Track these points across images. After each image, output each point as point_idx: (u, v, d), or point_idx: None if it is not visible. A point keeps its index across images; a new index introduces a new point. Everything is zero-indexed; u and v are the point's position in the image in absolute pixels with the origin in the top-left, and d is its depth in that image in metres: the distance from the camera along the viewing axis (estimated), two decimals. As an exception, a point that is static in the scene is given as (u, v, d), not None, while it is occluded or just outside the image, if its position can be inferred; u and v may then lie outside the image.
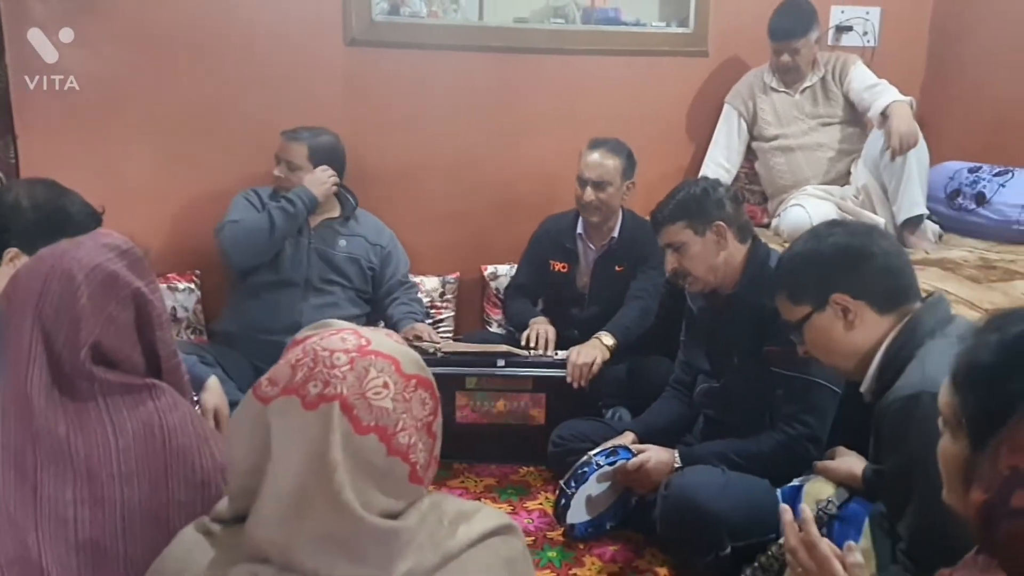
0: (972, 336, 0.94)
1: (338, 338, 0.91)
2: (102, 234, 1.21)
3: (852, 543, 1.12)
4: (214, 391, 2.09)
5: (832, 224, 1.67)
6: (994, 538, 0.85)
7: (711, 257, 2.05)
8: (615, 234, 2.75)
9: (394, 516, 0.88)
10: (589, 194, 2.66)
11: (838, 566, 1.09)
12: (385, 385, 0.88)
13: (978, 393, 0.90)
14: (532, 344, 2.65)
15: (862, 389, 1.48)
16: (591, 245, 2.80)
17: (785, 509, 1.19)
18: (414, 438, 0.89)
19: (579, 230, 2.80)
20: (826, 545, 1.11)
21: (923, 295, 1.52)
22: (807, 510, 1.17)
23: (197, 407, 1.96)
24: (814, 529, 1.13)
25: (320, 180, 2.72)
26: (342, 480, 0.83)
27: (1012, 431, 0.83)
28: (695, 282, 2.09)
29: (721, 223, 2.04)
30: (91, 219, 1.79)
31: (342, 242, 2.81)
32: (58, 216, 1.75)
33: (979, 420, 0.88)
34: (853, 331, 1.48)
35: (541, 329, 2.69)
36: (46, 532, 1.06)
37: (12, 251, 1.72)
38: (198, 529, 0.95)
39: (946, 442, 0.95)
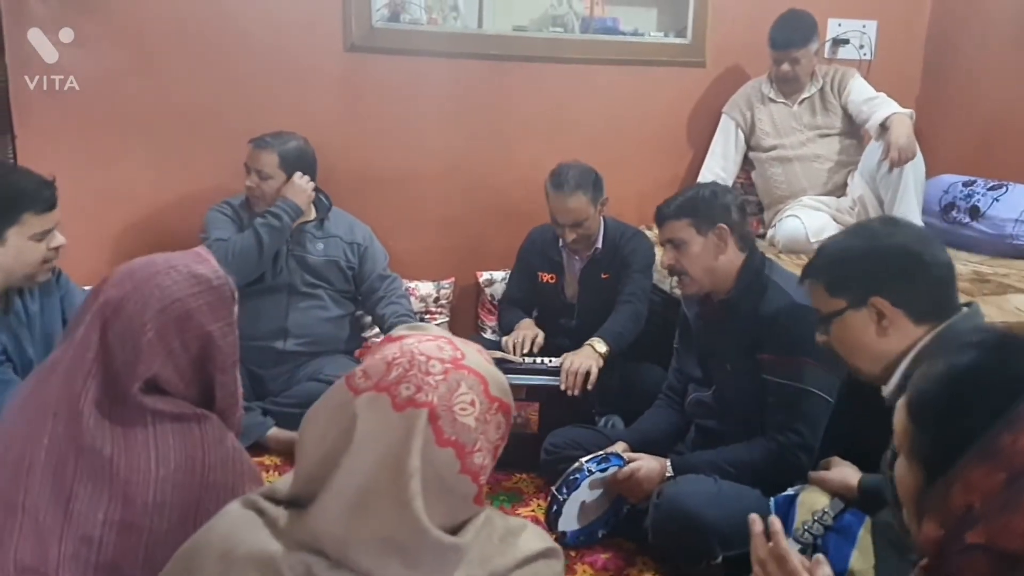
0: (923, 364, 0.93)
1: (435, 345, 0.92)
2: (200, 259, 1.19)
3: (820, 556, 1.11)
4: (275, 441, 2.08)
5: (889, 223, 1.61)
6: (947, 571, 0.84)
7: (709, 259, 2.05)
8: (599, 244, 2.76)
9: (452, 530, 0.88)
10: (570, 235, 2.67)
11: None
12: (472, 403, 0.89)
13: (930, 428, 0.88)
14: (509, 348, 2.64)
15: (885, 394, 1.44)
16: (576, 256, 2.81)
17: (754, 519, 1.16)
18: (486, 460, 0.90)
19: (563, 243, 2.81)
20: (796, 558, 1.10)
21: (958, 305, 1.47)
22: (776, 521, 1.14)
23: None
24: (783, 541, 1.11)
25: (301, 188, 2.70)
26: (415, 489, 0.83)
27: (965, 469, 0.83)
28: (689, 283, 2.09)
29: (724, 227, 2.04)
30: (44, 187, 1.81)
31: (319, 245, 2.80)
32: (10, 195, 1.77)
33: (932, 456, 0.87)
34: (884, 337, 1.44)
35: (522, 334, 2.70)
36: (69, 548, 1.05)
37: None
38: (247, 506, 0.93)
39: (901, 467, 0.94)
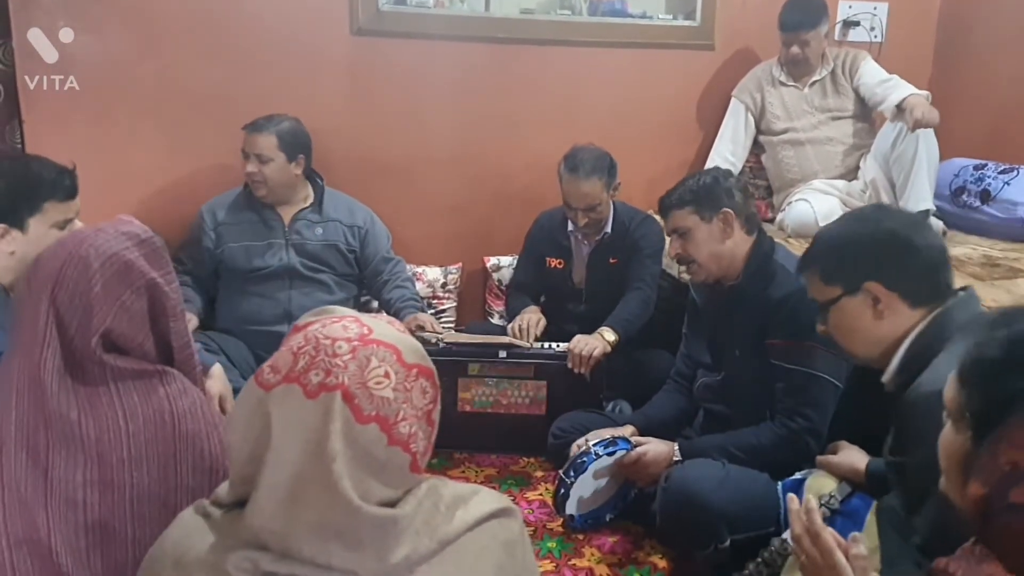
0: (982, 331, 0.94)
1: (340, 326, 0.91)
2: (123, 221, 1.23)
3: (857, 534, 1.12)
4: (218, 378, 2.10)
5: (879, 209, 1.63)
6: (992, 531, 0.85)
7: (716, 245, 2.04)
8: (608, 229, 2.76)
9: (392, 504, 0.88)
10: (582, 219, 2.67)
11: (841, 557, 1.09)
12: (386, 375, 0.88)
13: (983, 388, 0.89)
14: (515, 334, 2.65)
15: (884, 379, 1.46)
16: (584, 241, 2.80)
17: (792, 498, 1.20)
18: (414, 427, 0.89)
19: (571, 227, 2.80)
20: (830, 534, 1.12)
21: (954, 290, 1.48)
22: (811, 500, 1.17)
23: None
24: (818, 518, 1.14)
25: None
26: (340, 471, 0.84)
27: (1013, 427, 0.84)
28: (698, 270, 2.09)
29: (728, 211, 2.03)
30: (64, 175, 1.81)
31: (318, 230, 2.79)
32: (32, 183, 1.77)
33: (982, 415, 0.88)
34: (881, 321, 1.45)
35: (526, 319, 2.70)
36: (56, 513, 1.08)
37: (0, 227, 1.73)
38: (197, 512, 0.95)
39: (948, 433, 0.95)
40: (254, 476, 0.88)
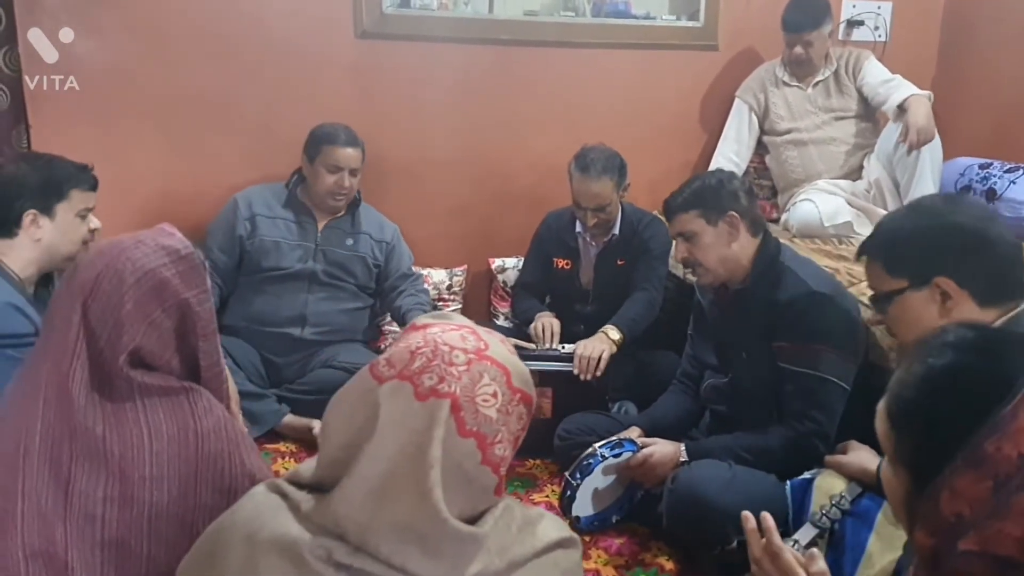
0: (899, 366, 0.90)
1: (459, 335, 0.92)
2: (164, 233, 1.22)
3: (815, 550, 1.10)
4: None
5: (951, 201, 1.55)
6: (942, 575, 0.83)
7: (722, 248, 2.04)
8: (615, 230, 2.76)
9: (472, 520, 0.89)
10: (591, 219, 2.67)
11: (803, 574, 1.07)
12: (495, 394, 0.89)
13: (911, 434, 0.87)
14: (539, 335, 2.65)
15: None
16: (592, 241, 2.80)
17: (747, 516, 1.15)
18: (507, 451, 0.91)
19: (579, 228, 2.80)
20: (789, 553, 1.09)
21: None
22: (768, 517, 1.13)
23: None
24: (777, 537, 1.10)
25: None
26: (436, 479, 0.84)
27: (951, 478, 0.81)
28: (705, 273, 2.08)
29: (734, 214, 2.03)
30: (85, 171, 1.95)
31: (348, 241, 2.81)
32: (59, 174, 1.90)
33: (917, 462, 0.86)
34: (948, 318, 1.36)
35: (546, 322, 2.70)
36: (74, 528, 1.07)
37: (30, 214, 1.86)
38: (272, 490, 0.94)
39: (887, 472, 0.92)
40: (347, 463, 0.88)
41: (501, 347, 0.94)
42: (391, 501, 0.85)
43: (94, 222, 1.96)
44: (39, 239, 1.84)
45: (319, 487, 0.92)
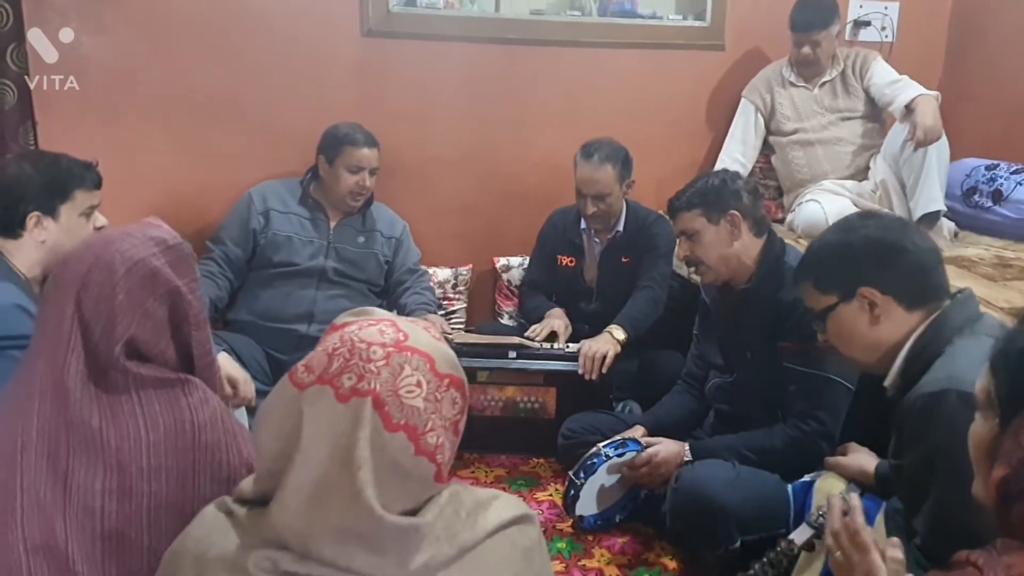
0: (1018, 323, 0.95)
1: (376, 330, 0.91)
2: (152, 225, 1.22)
3: (896, 539, 1.11)
4: (225, 363, 2.12)
5: (866, 216, 1.65)
6: (1012, 517, 0.85)
7: (724, 247, 2.04)
8: (620, 228, 2.76)
9: (414, 511, 0.89)
10: (591, 207, 2.66)
11: (877, 557, 1.09)
12: (418, 384, 0.88)
13: (1010, 375, 0.90)
14: (536, 336, 2.65)
15: (886, 384, 1.47)
16: (596, 239, 2.80)
17: (834, 497, 1.20)
18: (442, 438, 0.89)
19: (583, 225, 2.80)
20: (868, 533, 1.11)
21: (952, 292, 1.49)
22: (855, 497, 1.17)
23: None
24: (860, 517, 1.13)
25: None
26: (365, 479, 0.84)
27: None
28: (707, 272, 2.08)
29: (736, 213, 2.03)
30: (89, 169, 1.91)
31: (360, 239, 2.83)
32: (62, 174, 1.86)
33: (1008, 400, 0.89)
34: (878, 325, 1.46)
35: (554, 323, 2.70)
36: (73, 520, 1.08)
37: (34, 216, 1.83)
38: (220, 509, 0.95)
39: (977, 426, 0.96)
40: (281, 473, 0.88)
41: (423, 335, 0.93)
42: (325, 506, 0.85)
43: (100, 220, 1.95)
44: (44, 240, 1.82)
45: (261, 500, 0.92)
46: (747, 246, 2.05)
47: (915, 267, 1.46)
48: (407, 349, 0.90)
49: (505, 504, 0.96)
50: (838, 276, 1.51)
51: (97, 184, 1.93)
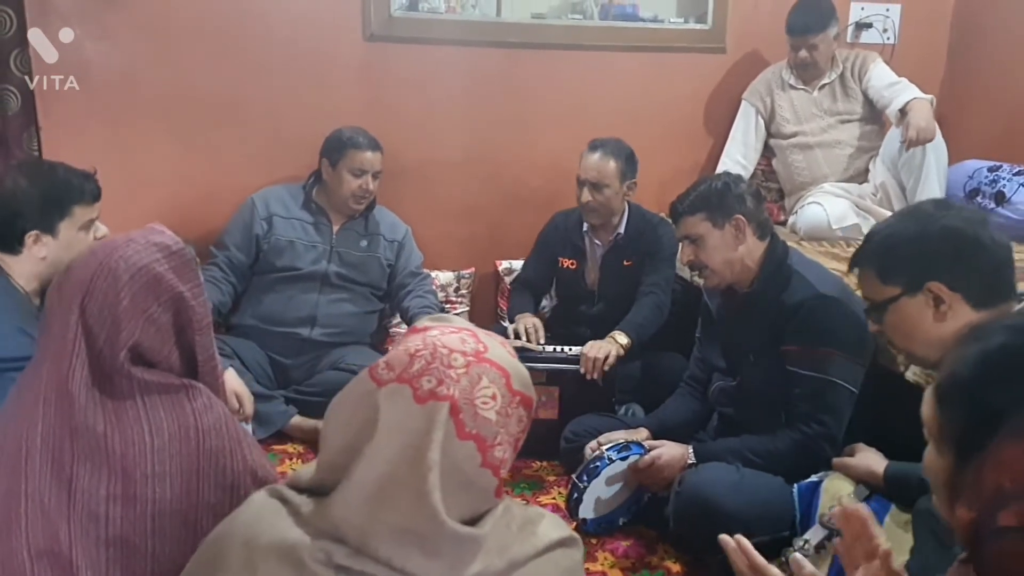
0: (954, 348, 0.91)
1: (458, 338, 0.92)
2: (154, 231, 1.23)
3: (798, 555, 1.10)
4: (231, 378, 2.12)
5: (943, 205, 1.55)
6: (983, 556, 0.83)
7: (728, 251, 2.04)
8: (621, 230, 2.76)
9: (472, 521, 0.89)
10: (586, 195, 2.66)
11: None
12: (493, 397, 0.90)
13: (961, 409, 0.87)
14: (522, 336, 2.64)
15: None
16: (598, 241, 2.80)
17: (724, 540, 1.15)
18: (507, 454, 0.91)
19: (585, 227, 2.80)
20: (775, 569, 1.09)
21: (1019, 293, 1.43)
22: (743, 539, 1.13)
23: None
24: (757, 556, 1.11)
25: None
26: (435, 482, 0.84)
27: (996, 448, 0.81)
28: (711, 276, 2.08)
29: (740, 217, 2.02)
30: (87, 181, 1.88)
31: (363, 243, 2.84)
32: (61, 190, 1.84)
33: (963, 437, 0.86)
34: (943, 323, 1.38)
35: (528, 323, 2.69)
36: (78, 526, 1.08)
37: (33, 235, 1.81)
38: (271, 495, 0.95)
39: (931, 455, 0.93)
40: (346, 466, 0.88)
41: (501, 349, 0.95)
42: (389, 504, 0.85)
43: (101, 230, 1.93)
44: (44, 256, 1.81)
45: (319, 491, 0.92)
46: (751, 249, 2.05)
47: (989, 265, 1.38)
48: (486, 361, 0.91)
49: (552, 523, 0.97)
50: (906, 267, 1.42)
51: (96, 197, 1.90)
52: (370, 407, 0.88)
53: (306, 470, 0.96)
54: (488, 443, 0.88)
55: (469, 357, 0.90)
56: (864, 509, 1.14)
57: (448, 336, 0.92)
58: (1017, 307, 1.40)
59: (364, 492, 0.86)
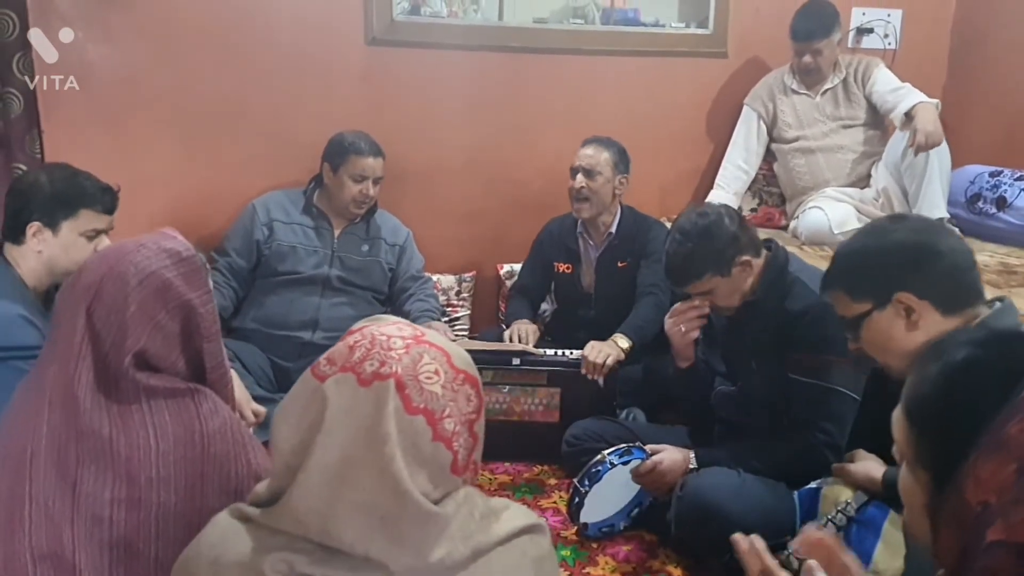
0: (916, 367, 0.90)
1: (395, 327, 0.95)
2: (166, 236, 1.23)
3: (812, 562, 1.09)
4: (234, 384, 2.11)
5: (897, 219, 1.61)
6: (971, 574, 0.81)
7: (739, 285, 2.04)
8: (612, 230, 2.77)
9: (433, 503, 0.89)
10: (579, 180, 2.69)
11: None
12: (436, 372, 0.91)
13: (932, 431, 0.86)
14: (515, 341, 2.66)
15: None
16: (591, 242, 2.81)
17: (737, 539, 1.14)
18: (458, 427, 0.91)
19: (579, 229, 2.81)
20: (786, 574, 1.08)
21: (987, 298, 1.46)
22: (759, 540, 1.12)
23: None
24: (770, 559, 1.10)
25: None
26: (392, 452, 0.85)
27: (974, 466, 0.80)
28: (724, 309, 2.10)
29: (743, 258, 2.02)
30: (106, 193, 1.89)
31: (364, 247, 2.84)
32: (74, 191, 1.85)
33: (938, 459, 0.85)
34: (915, 331, 1.41)
35: (521, 328, 2.72)
36: (81, 529, 1.08)
37: (35, 225, 1.82)
38: (232, 515, 0.95)
39: (906, 478, 0.92)
40: (299, 465, 0.88)
41: (438, 335, 0.97)
42: (351, 483, 0.86)
43: (104, 243, 1.91)
44: (40, 251, 1.81)
45: (276, 498, 0.92)
46: (753, 269, 2.05)
47: (951, 269, 1.41)
48: (425, 342, 0.93)
49: (517, 513, 0.97)
50: (872, 282, 1.46)
51: (108, 208, 1.90)
52: (317, 402, 0.89)
53: (262, 485, 0.96)
54: (437, 416, 0.89)
55: (408, 340, 0.92)
56: (828, 537, 1.14)
57: (385, 327, 0.95)
58: (986, 312, 1.42)
59: (323, 476, 0.87)
